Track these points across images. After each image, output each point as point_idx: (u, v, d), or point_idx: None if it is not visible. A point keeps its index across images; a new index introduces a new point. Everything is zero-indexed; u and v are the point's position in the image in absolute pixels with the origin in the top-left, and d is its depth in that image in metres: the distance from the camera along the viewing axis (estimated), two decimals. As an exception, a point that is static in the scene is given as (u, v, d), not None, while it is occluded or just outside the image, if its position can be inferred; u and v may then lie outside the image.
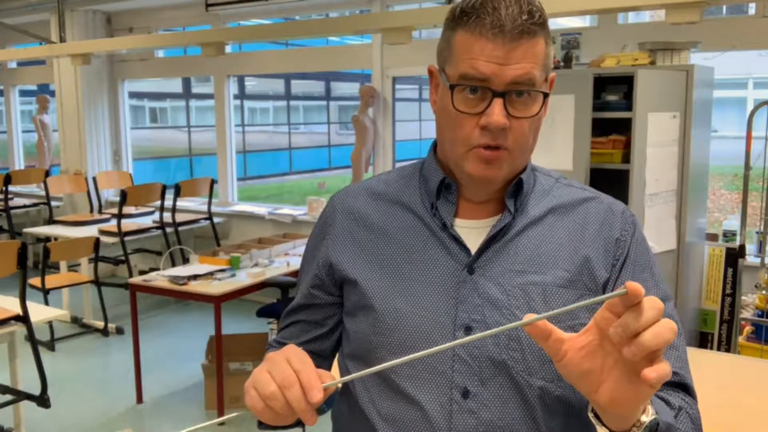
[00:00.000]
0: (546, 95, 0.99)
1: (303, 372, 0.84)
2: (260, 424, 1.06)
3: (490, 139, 0.97)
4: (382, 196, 1.12)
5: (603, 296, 0.73)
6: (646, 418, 0.82)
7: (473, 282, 1.02)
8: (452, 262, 1.03)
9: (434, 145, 1.12)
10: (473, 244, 1.04)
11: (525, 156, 1.03)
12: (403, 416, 1.02)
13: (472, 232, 1.05)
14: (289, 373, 0.84)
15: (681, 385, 0.99)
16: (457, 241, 1.04)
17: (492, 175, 1.00)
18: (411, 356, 0.77)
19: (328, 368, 1.20)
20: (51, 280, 4.74)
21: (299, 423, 0.91)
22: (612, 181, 3.34)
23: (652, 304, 0.71)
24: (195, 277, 3.81)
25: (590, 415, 0.84)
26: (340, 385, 0.86)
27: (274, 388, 0.84)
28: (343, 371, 1.13)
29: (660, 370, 0.72)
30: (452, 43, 0.99)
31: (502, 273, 1.02)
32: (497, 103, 0.95)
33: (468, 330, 1.00)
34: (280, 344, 1.19)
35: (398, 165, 5.39)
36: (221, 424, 3.63)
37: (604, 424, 0.83)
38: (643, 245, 1.08)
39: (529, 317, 0.75)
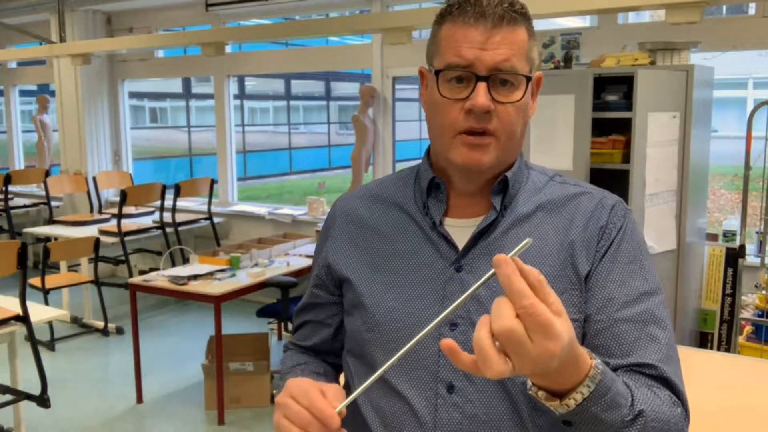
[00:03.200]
0: (528, 80, 1.02)
1: (312, 407, 0.87)
2: None
3: (474, 121, 0.99)
4: (378, 198, 1.16)
5: (479, 282, 0.76)
6: (559, 406, 0.82)
7: (460, 279, 1.04)
8: (441, 260, 1.06)
9: (428, 149, 1.15)
10: (462, 242, 1.06)
11: (512, 147, 1.05)
12: (391, 410, 1.05)
13: (462, 230, 1.07)
14: (301, 412, 0.87)
15: (661, 379, 0.97)
16: (446, 239, 1.06)
17: (477, 159, 1.01)
18: (402, 351, 0.79)
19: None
20: (51, 280, 4.75)
21: None
22: (612, 181, 3.34)
23: (492, 319, 0.72)
24: (195, 277, 3.81)
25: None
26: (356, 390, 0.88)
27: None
28: (345, 367, 1.18)
29: (452, 347, 0.74)
30: (438, 37, 1.04)
31: (488, 270, 1.02)
32: (481, 87, 0.98)
33: (453, 326, 1.02)
34: (296, 346, 1.24)
35: (398, 165, 5.40)
36: (221, 423, 3.64)
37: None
38: (634, 237, 1.06)
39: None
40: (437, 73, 1.01)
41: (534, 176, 1.12)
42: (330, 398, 0.88)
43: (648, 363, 0.97)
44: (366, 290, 1.09)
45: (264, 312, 4.07)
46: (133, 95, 8.68)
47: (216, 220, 5.79)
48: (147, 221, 5.61)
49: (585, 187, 1.11)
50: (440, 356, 1.02)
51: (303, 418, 0.87)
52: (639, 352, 0.97)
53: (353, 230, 1.15)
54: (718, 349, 3.64)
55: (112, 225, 5.30)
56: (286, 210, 5.81)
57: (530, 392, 0.83)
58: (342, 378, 1.23)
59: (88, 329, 5.14)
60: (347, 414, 1.12)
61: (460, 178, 1.07)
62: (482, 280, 0.76)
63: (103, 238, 5.01)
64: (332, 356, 1.21)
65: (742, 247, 3.44)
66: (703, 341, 3.71)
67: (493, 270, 0.73)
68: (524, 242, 0.74)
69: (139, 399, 3.91)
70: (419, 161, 1.18)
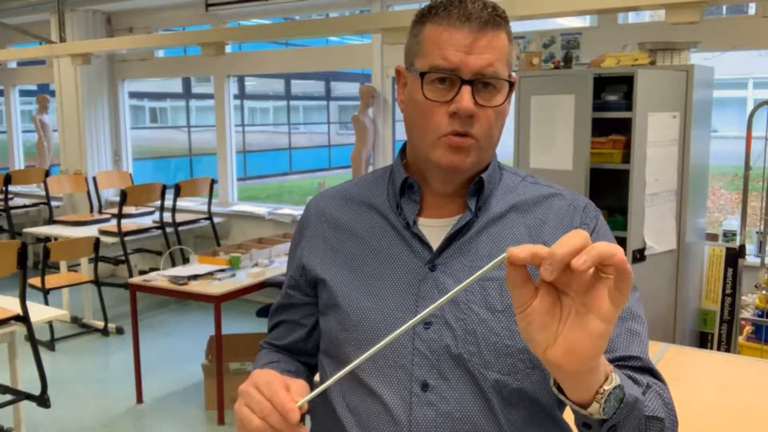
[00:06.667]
0: (511, 86, 1.04)
1: (273, 398, 0.88)
2: None
3: (458, 125, 1.01)
4: (352, 199, 1.17)
5: (487, 266, 0.73)
6: (609, 386, 0.81)
7: (434, 278, 1.05)
8: (415, 260, 1.07)
9: (402, 148, 1.16)
10: (436, 242, 1.07)
11: (490, 148, 1.06)
12: (367, 409, 1.06)
13: (436, 230, 1.08)
14: (263, 402, 0.88)
15: (647, 370, 1.00)
16: (420, 239, 1.07)
17: (460, 162, 1.02)
18: (374, 349, 0.79)
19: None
20: (51, 280, 4.75)
21: None
22: (612, 181, 3.35)
23: (572, 235, 0.70)
24: (195, 277, 3.81)
25: (554, 389, 0.84)
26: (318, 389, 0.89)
27: (257, 421, 0.88)
28: (320, 367, 1.18)
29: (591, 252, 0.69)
30: (421, 37, 1.05)
31: (462, 270, 1.05)
32: (466, 90, 0.99)
33: (428, 325, 1.03)
34: (271, 345, 1.25)
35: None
36: (221, 423, 3.64)
37: (568, 398, 0.82)
38: (607, 236, 1.09)
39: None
40: (422, 75, 1.02)
41: (507, 177, 1.14)
42: (293, 392, 0.89)
43: (634, 356, 1.00)
44: (341, 291, 1.09)
45: (264, 312, 4.08)
46: (133, 95, 8.68)
47: (216, 220, 5.79)
48: (147, 221, 5.61)
49: (556, 189, 1.13)
50: (414, 355, 1.03)
51: (264, 408, 0.87)
52: (623, 346, 1.00)
53: (327, 231, 1.15)
54: (718, 349, 3.64)
55: (112, 225, 5.30)
56: (286, 210, 5.81)
57: (602, 414, 0.81)
58: (317, 378, 1.23)
59: (88, 329, 5.14)
60: (323, 414, 1.13)
61: (438, 179, 1.08)
62: (468, 281, 0.75)
63: (103, 238, 5.01)
64: (305, 356, 1.22)
65: (742, 247, 3.44)
66: (703, 341, 3.71)
67: (487, 265, 0.72)
68: (502, 255, 0.73)
69: (139, 399, 3.91)
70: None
